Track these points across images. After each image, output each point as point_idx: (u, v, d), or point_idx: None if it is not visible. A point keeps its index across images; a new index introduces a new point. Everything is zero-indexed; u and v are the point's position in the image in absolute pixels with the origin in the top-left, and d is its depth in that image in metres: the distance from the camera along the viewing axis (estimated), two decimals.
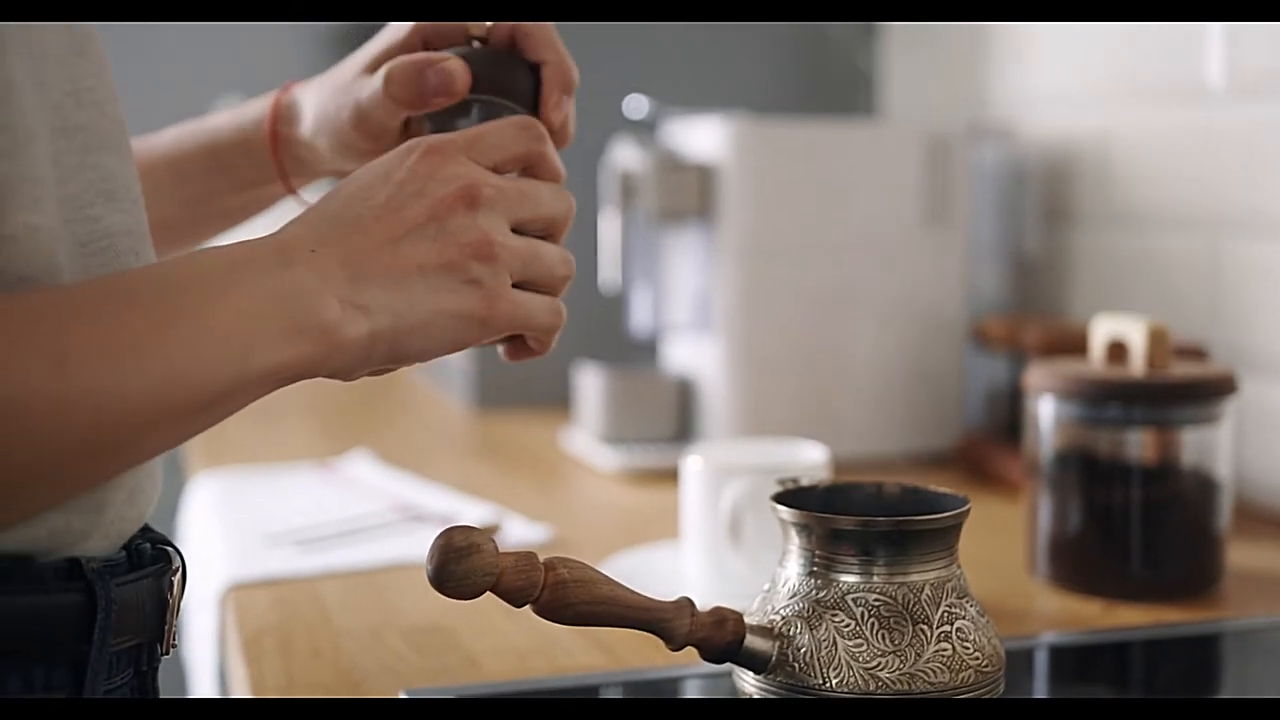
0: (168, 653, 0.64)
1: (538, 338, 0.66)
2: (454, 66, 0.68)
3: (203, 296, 0.54)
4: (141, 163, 0.75)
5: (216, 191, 0.82)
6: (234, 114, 0.81)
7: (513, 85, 0.70)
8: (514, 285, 0.62)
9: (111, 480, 0.57)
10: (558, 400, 1.59)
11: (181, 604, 0.65)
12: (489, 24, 0.71)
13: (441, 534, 0.59)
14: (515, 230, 0.63)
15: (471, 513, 1.14)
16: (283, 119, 0.78)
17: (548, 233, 0.65)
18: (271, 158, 0.79)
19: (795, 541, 0.66)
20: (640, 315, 1.42)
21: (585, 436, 1.41)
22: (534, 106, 0.70)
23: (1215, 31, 1.21)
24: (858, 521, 0.64)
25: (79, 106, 0.58)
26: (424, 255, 0.59)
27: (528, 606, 0.61)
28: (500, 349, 0.67)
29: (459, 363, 1.69)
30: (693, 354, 1.40)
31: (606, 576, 0.62)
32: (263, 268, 0.56)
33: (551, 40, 0.70)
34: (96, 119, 0.59)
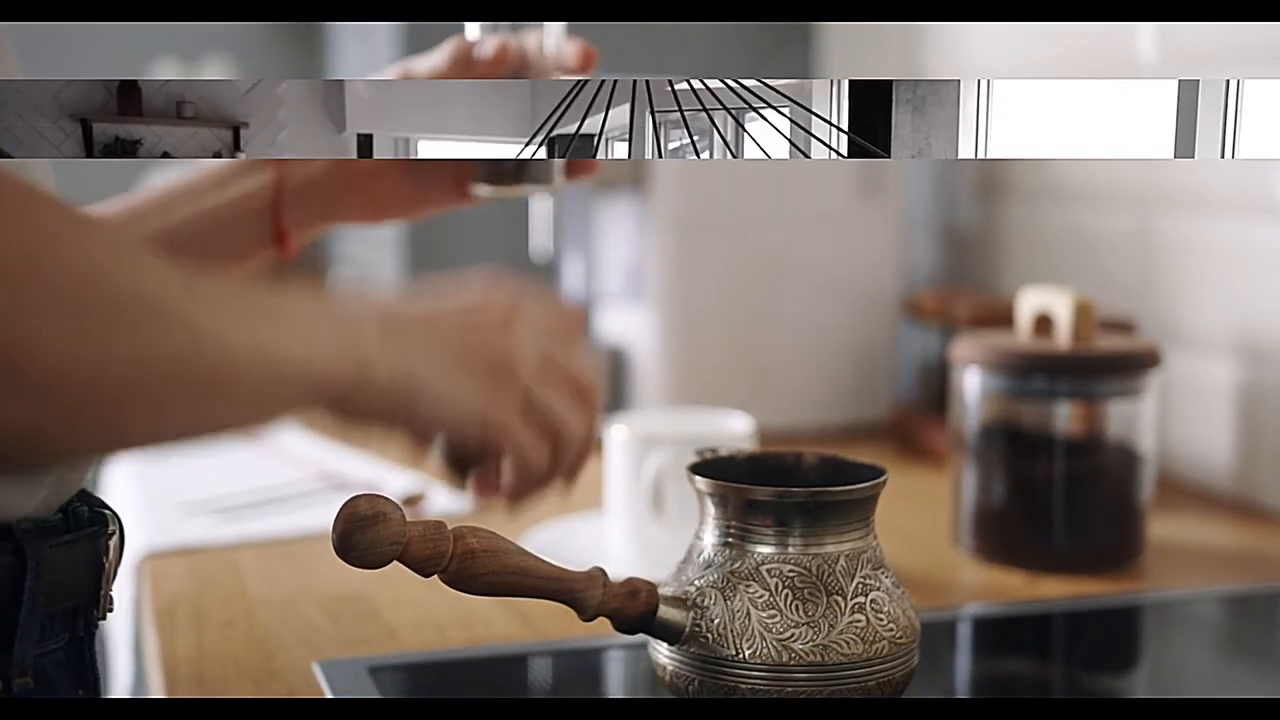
0: (104, 617, 0.63)
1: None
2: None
3: None
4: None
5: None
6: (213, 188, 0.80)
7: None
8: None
9: None
10: None
11: (119, 568, 0.64)
12: None
13: (347, 502, 0.57)
14: None
15: (396, 482, 1.13)
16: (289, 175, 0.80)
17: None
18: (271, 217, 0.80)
19: (711, 512, 0.65)
20: (572, 284, 1.41)
21: None
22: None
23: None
24: (773, 492, 0.63)
25: None
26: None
27: (436, 576, 0.60)
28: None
29: None
30: (625, 323, 1.39)
31: (517, 546, 0.61)
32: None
33: None
34: None
